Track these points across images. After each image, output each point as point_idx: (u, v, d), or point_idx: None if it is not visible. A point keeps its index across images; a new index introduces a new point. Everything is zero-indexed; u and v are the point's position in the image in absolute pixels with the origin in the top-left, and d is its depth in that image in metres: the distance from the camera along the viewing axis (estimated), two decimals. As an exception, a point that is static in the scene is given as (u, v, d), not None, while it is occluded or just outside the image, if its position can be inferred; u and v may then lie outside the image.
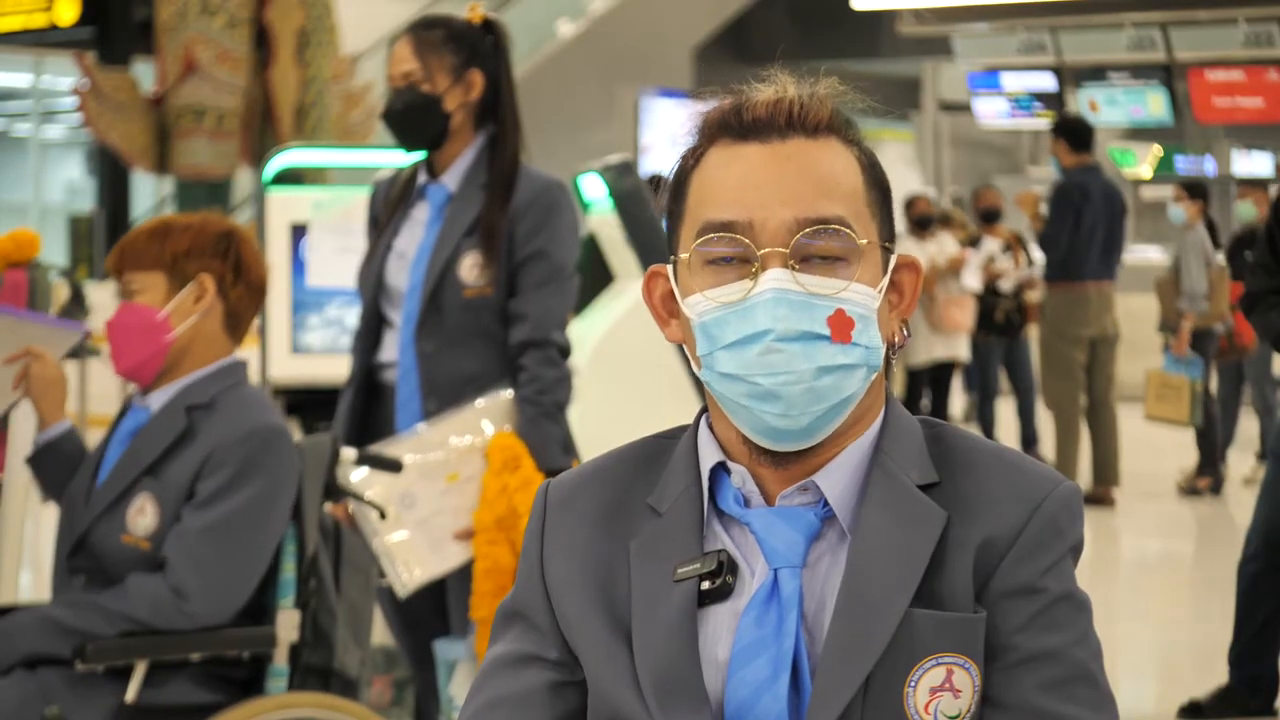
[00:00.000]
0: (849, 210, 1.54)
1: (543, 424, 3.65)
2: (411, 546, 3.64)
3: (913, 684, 1.50)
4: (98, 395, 11.48)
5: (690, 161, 1.59)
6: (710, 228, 1.53)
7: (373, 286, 3.80)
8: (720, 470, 1.59)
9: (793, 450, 1.54)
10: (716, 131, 1.58)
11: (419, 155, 3.79)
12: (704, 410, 1.63)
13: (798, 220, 1.52)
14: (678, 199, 1.59)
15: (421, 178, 3.81)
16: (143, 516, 3.02)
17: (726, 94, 1.59)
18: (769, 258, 1.51)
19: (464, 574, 3.65)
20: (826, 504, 1.56)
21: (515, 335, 3.68)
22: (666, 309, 1.61)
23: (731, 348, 1.51)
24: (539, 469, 3.63)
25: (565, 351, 3.72)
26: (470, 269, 3.69)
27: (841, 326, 1.51)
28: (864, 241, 1.53)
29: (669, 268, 1.60)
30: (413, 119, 3.72)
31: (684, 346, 1.59)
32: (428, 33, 3.74)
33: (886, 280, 1.56)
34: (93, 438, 3.21)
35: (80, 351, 3.97)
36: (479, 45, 3.75)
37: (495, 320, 3.71)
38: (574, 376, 3.78)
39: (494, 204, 3.69)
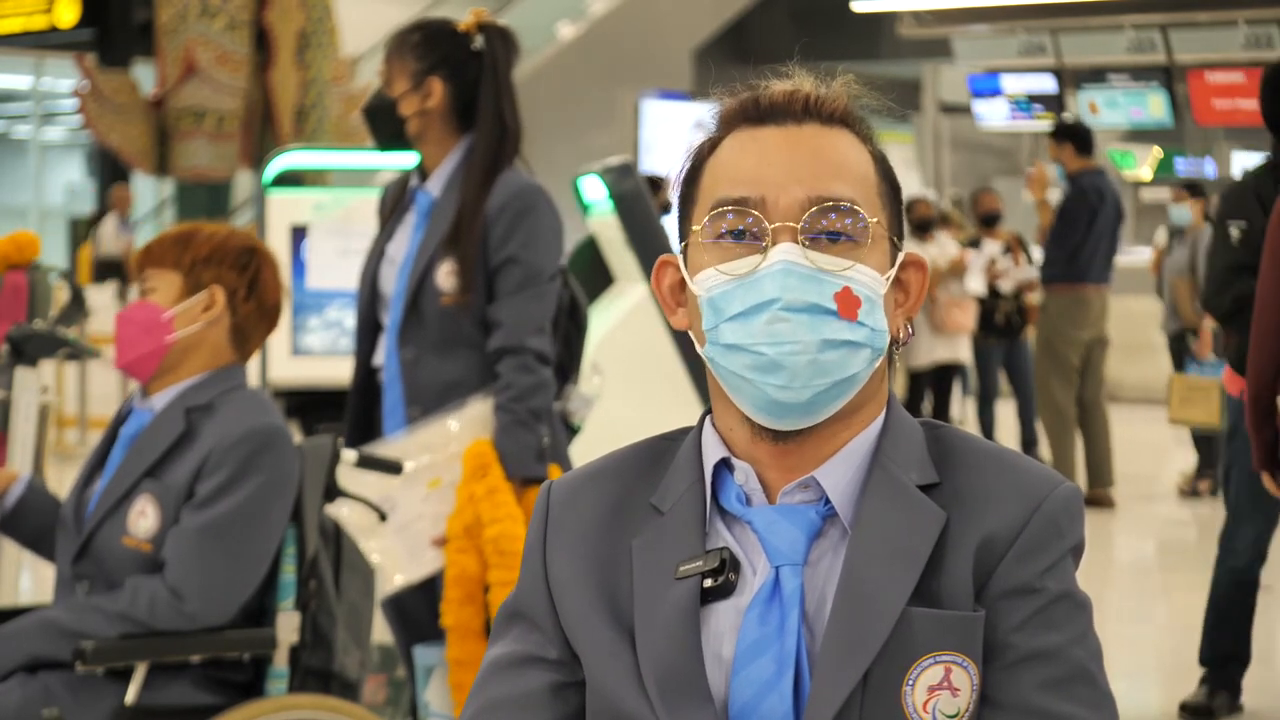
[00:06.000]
0: (860, 195, 1.56)
1: (516, 432, 3.62)
2: (389, 551, 3.64)
3: (910, 682, 1.50)
4: (98, 396, 11.51)
5: (706, 149, 1.61)
6: (723, 203, 1.55)
7: (368, 291, 3.80)
8: (723, 468, 1.59)
9: (793, 430, 1.54)
10: (734, 120, 1.60)
11: (394, 153, 3.85)
12: (708, 411, 1.64)
13: (809, 198, 1.54)
14: (691, 184, 1.61)
15: (414, 182, 3.81)
16: (144, 519, 3.02)
17: (740, 90, 1.61)
18: (779, 232, 1.53)
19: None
20: (828, 502, 1.56)
21: (492, 342, 3.66)
22: (674, 298, 1.62)
23: (737, 319, 1.52)
24: (511, 477, 3.61)
25: (543, 357, 3.67)
26: (446, 276, 3.67)
27: (848, 304, 1.52)
28: (875, 220, 1.55)
29: (679, 255, 1.61)
30: (373, 119, 3.79)
31: (690, 333, 1.60)
32: (403, 36, 3.77)
33: (894, 272, 1.57)
34: (94, 439, 3.21)
35: (80, 352, 3.96)
36: (453, 52, 3.73)
37: (475, 327, 3.69)
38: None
39: (462, 210, 3.68)
